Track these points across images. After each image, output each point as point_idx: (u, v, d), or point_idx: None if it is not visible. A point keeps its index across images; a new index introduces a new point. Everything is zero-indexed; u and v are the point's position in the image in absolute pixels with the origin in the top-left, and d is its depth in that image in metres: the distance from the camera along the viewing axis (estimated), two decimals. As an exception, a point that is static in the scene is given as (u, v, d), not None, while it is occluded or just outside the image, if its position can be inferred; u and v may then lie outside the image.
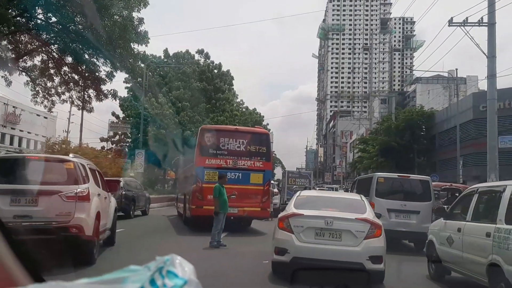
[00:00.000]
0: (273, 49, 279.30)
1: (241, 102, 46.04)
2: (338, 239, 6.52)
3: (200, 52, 39.18)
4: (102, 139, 34.00)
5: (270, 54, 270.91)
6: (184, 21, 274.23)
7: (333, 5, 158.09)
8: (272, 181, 22.36)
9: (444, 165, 38.80)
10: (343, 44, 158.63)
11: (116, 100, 18.99)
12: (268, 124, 62.12)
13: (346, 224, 6.58)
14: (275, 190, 22.12)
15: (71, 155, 8.52)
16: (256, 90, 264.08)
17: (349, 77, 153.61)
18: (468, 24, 18.78)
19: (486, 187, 7.33)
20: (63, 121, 73.16)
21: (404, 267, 8.68)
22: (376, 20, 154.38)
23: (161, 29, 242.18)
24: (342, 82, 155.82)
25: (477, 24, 18.23)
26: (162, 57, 37.28)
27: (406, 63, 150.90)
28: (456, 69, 30.91)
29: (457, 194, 15.19)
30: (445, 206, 12.20)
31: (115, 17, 15.39)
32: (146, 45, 18.48)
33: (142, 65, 17.76)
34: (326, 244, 6.51)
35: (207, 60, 39.00)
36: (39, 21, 15.91)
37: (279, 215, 7.50)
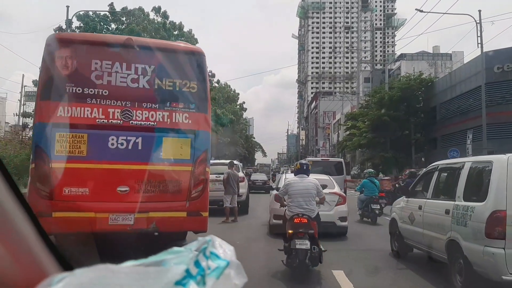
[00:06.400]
0: (255, 35, 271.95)
1: (209, 73, 39.48)
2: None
3: (157, 10, 32.09)
4: (24, 115, 25.77)
5: (252, 40, 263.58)
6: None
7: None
8: (235, 162, 14.97)
9: (446, 141, 33.16)
10: (323, 23, 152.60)
11: None
12: (244, 102, 55.86)
13: None
14: (240, 174, 14.32)
15: None
16: (237, 76, 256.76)
17: (330, 57, 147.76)
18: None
19: (445, 164, 7.18)
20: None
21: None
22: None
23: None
24: (323, 63, 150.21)
25: None
26: (108, 15, 30.17)
27: (388, 42, 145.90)
28: (478, 14, 24.62)
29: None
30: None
31: None
32: None
33: None
34: None
35: (166, 20, 32.08)
36: None
37: (274, 193, 9.65)
